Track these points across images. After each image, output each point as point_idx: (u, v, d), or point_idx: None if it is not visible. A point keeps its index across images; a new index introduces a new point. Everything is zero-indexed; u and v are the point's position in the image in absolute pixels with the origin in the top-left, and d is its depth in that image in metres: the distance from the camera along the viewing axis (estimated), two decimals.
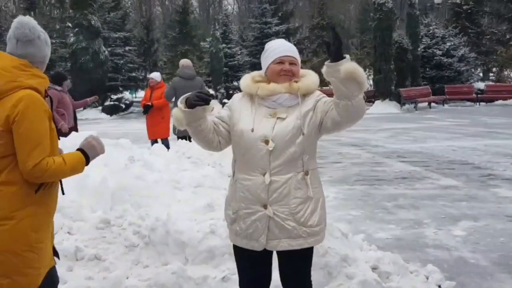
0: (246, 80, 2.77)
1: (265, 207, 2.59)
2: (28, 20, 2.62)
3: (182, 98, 2.66)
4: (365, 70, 31.02)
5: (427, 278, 4.09)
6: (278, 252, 2.69)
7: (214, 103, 2.72)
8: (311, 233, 2.62)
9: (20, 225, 2.42)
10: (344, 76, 2.45)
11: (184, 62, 9.66)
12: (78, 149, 2.59)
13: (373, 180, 8.50)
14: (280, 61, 2.69)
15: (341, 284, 3.58)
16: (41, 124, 2.44)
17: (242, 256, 2.75)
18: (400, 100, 24.60)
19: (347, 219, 6.19)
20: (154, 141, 9.37)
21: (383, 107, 24.32)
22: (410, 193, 7.47)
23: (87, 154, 2.59)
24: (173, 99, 9.04)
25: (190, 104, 2.59)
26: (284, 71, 2.68)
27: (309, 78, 2.72)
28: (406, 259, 4.45)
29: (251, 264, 2.74)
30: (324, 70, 2.53)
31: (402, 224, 5.93)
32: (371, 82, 26.63)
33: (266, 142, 2.58)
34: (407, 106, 24.54)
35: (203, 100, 2.56)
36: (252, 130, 2.61)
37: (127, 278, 3.84)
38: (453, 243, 5.19)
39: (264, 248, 2.63)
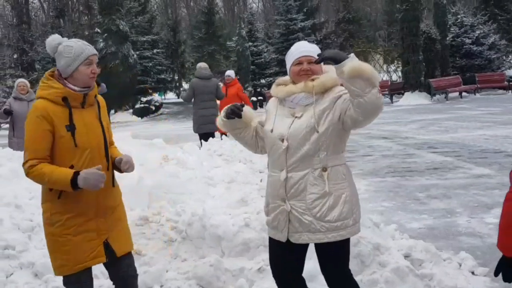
0: (275, 84, 2.95)
1: (283, 201, 2.74)
2: (50, 37, 2.90)
3: (225, 109, 2.94)
4: (392, 62, 30.83)
5: (460, 265, 4.13)
6: (316, 245, 2.78)
7: (253, 114, 2.97)
8: (330, 228, 2.67)
9: (43, 216, 2.88)
10: (348, 75, 2.49)
11: (202, 64, 10.26)
12: (75, 172, 2.70)
13: (404, 172, 8.50)
14: (298, 62, 2.80)
15: (374, 272, 3.66)
16: (31, 129, 2.73)
17: (273, 245, 2.89)
18: (430, 91, 24.30)
19: (379, 210, 6.24)
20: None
21: (413, 99, 24.09)
22: (442, 183, 7.45)
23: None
24: (192, 100, 9.79)
25: (226, 116, 2.90)
26: (303, 71, 2.78)
27: (327, 74, 2.78)
28: (439, 247, 4.50)
29: (279, 254, 2.86)
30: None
31: (434, 214, 5.95)
32: (400, 74, 26.41)
33: (282, 140, 2.73)
34: (437, 96, 24.23)
35: (235, 114, 2.86)
36: (272, 131, 2.79)
37: (167, 271, 3.99)
38: (486, 231, 5.20)
39: (288, 240, 2.76)
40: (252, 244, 4.00)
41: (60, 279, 3.76)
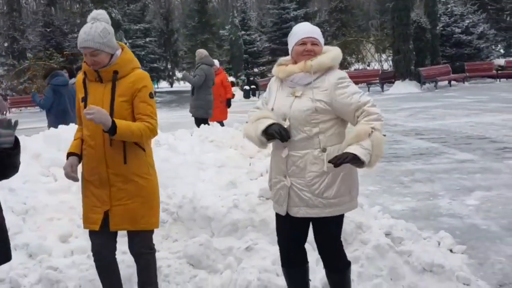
0: (275, 65, 3.06)
1: (285, 177, 2.90)
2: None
3: (262, 125, 2.84)
4: (384, 52, 30.83)
5: (439, 243, 4.32)
6: (313, 220, 2.95)
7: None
8: (328, 204, 2.84)
9: None
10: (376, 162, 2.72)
11: (203, 51, 10.30)
12: (69, 153, 3.17)
13: (391, 157, 8.70)
14: (302, 43, 2.91)
15: (356, 249, 3.84)
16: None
17: (277, 218, 3.08)
18: (420, 79, 24.51)
19: (365, 193, 6.42)
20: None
21: (403, 87, 24.29)
22: (426, 168, 7.67)
23: None
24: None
25: (269, 133, 2.81)
26: (306, 51, 2.89)
27: (326, 54, 2.87)
28: (420, 227, 4.68)
29: (282, 226, 3.06)
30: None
31: (417, 197, 6.16)
32: (391, 63, 26.54)
33: (284, 119, 2.85)
34: (427, 85, 24.46)
35: (283, 138, 2.79)
36: (272, 109, 2.90)
37: (158, 251, 4.13)
38: (466, 212, 5.41)
39: (287, 213, 2.93)
40: (240, 225, 4.17)
41: (53, 258, 3.93)
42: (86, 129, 3.10)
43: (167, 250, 4.18)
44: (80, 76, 3.18)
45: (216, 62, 11.01)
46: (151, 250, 3.33)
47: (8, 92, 29.71)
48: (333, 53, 2.91)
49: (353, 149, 2.63)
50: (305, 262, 3.15)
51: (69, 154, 3.14)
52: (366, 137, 2.65)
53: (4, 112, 24.33)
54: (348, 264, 3.09)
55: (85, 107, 3.00)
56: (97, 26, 2.98)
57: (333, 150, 2.80)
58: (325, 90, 2.81)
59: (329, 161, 2.68)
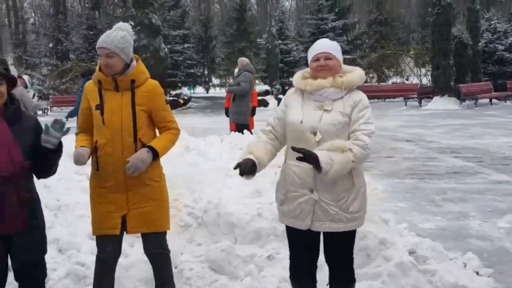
0: (297, 77, 3.07)
1: (311, 191, 2.88)
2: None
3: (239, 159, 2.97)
4: (423, 66, 30.30)
5: (465, 265, 4.23)
6: (324, 233, 2.97)
7: (262, 155, 2.98)
8: (351, 218, 2.90)
9: None
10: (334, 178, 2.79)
11: (246, 59, 10.44)
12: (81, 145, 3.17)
13: (424, 174, 8.56)
14: (316, 59, 2.98)
15: (379, 265, 3.80)
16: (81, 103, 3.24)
17: (291, 234, 3.05)
18: (459, 96, 24.03)
19: (393, 210, 6.34)
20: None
21: (442, 103, 23.84)
22: (459, 187, 7.51)
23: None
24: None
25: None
26: (320, 67, 2.95)
27: (354, 73, 2.98)
28: (447, 247, 4.59)
29: (298, 242, 3.03)
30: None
31: (448, 216, 6.03)
32: (430, 78, 26.14)
33: (314, 133, 2.85)
34: (467, 102, 23.94)
35: (240, 171, 2.89)
36: (301, 122, 2.89)
37: (182, 254, 4.19)
38: (496, 235, 5.27)
39: (309, 228, 2.92)
40: (263, 233, 4.18)
41: (82, 254, 4.04)
42: (101, 136, 3.12)
43: (190, 253, 4.23)
44: (90, 84, 3.22)
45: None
46: (166, 250, 3.40)
47: (50, 91, 30.57)
48: (359, 73, 3.00)
49: (320, 154, 2.72)
50: (315, 276, 3.14)
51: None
52: (339, 151, 2.74)
53: (46, 110, 25.02)
54: (355, 280, 3.09)
55: (101, 114, 3.09)
56: (118, 33, 3.12)
57: (357, 166, 2.92)
58: (349, 107, 2.88)
59: (293, 149, 2.77)
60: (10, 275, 2.98)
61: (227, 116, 10.68)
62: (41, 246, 2.90)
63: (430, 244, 4.27)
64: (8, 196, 2.63)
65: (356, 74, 2.97)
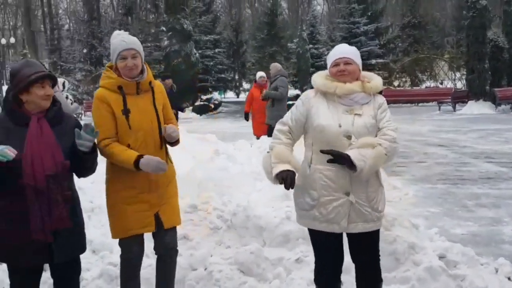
0: (322, 79, 3.05)
1: (347, 194, 2.89)
2: (113, 34, 3.32)
3: (276, 169, 2.89)
4: (458, 70, 29.85)
5: (497, 270, 4.15)
6: (352, 234, 2.98)
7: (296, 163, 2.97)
8: (379, 217, 3.00)
9: (106, 186, 3.32)
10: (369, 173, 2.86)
11: (279, 64, 10.44)
12: (139, 155, 3.09)
13: (456, 180, 8.43)
14: (335, 64, 3.02)
15: (408, 269, 3.77)
16: (96, 112, 3.17)
17: (319, 238, 3.03)
18: (495, 100, 23.55)
19: (424, 215, 6.27)
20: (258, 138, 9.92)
21: (477, 108, 23.45)
22: (493, 193, 7.37)
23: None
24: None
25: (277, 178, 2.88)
26: (339, 72, 2.99)
27: (378, 79, 3.06)
28: (478, 253, 4.50)
29: (327, 246, 3.03)
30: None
31: (480, 222, 5.93)
32: (464, 82, 25.69)
33: (348, 137, 2.87)
34: (502, 106, 23.47)
35: (285, 185, 2.84)
36: (340, 126, 2.87)
37: (211, 256, 4.25)
38: None
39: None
40: (292, 236, 4.20)
41: (114, 255, 4.12)
42: (134, 140, 3.15)
43: (219, 255, 4.28)
44: (106, 91, 3.17)
45: (262, 74, 10.89)
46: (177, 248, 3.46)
47: (84, 96, 31.28)
48: (380, 79, 3.10)
49: (351, 153, 2.79)
50: (340, 280, 3.16)
51: (139, 156, 3.12)
52: (369, 148, 2.81)
53: (80, 115, 25.58)
54: (382, 280, 3.10)
55: (127, 119, 3.13)
56: (131, 36, 3.26)
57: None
58: (376, 109, 2.97)
59: (322, 151, 2.84)
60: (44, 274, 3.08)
61: (247, 120, 10.73)
62: (81, 244, 2.98)
63: (460, 249, 4.21)
64: (54, 194, 2.73)
65: (379, 80, 3.07)
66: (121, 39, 3.18)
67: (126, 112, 3.14)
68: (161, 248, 3.37)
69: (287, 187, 2.84)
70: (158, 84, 3.36)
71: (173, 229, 3.37)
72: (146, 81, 3.23)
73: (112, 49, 3.19)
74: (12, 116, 2.79)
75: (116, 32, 3.31)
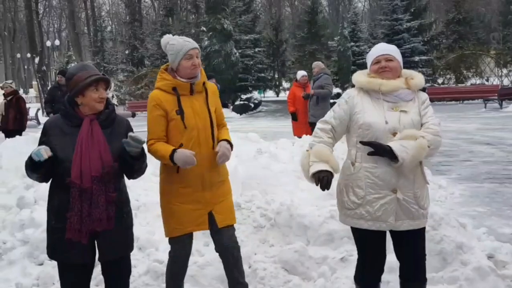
0: (364, 77, 3.05)
1: (394, 191, 2.88)
2: (163, 37, 3.40)
3: (313, 168, 2.93)
4: (505, 66, 28.96)
5: None
6: (397, 232, 2.95)
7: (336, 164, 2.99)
8: (425, 214, 2.99)
9: (159, 185, 3.41)
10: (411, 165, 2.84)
11: (321, 63, 10.41)
12: (174, 149, 3.18)
13: (504, 179, 8.19)
14: (377, 61, 3.02)
15: (456, 269, 3.71)
16: (149, 114, 3.28)
17: (364, 237, 3.01)
18: None
19: (471, 214, 6.13)
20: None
21: None
22: None
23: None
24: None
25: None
26: (381, 68, 3.00)
27: (420, 76, 3.06)
28: None
29: (371, 244, 3.02)
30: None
31: None
32: (511, 78, 24.92)
33: (394, 134, 2.86)
34: None
35: (321, 187, 2.88)
36: (386, 123, 2.87)
37: (255, 254, 4.28)
38: None
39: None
40: (336, 235, 4.19)
41: (160, 252, 4.21)
42: (187, 139, 3.23)
43: (263, 254, 4.31)
44: (160, 93, 3.27)
45: (304, 73, 10.70)
46: (238, 244, 3.51)
47: (127, 97, 31.94)
48: (422, 76, 3.09)
49: (393, 144, 2.80)
50: (380, 279, 3.14)
51: (174, 150, 3.20)
52: (411, 139, 2.80)
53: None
54: (426, 280, 3.07)
55: (182, 120, 3.21)
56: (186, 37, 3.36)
57: (424, 163, 3.02)
58: (420, 105, 2.98)
59: (362, 143, 2.87)
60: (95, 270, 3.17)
61: (296, 120, 10.54)
62: (126, 243, 3.04)
63: (510, 249, 4.11)
64: (97, 195, 2.81)
65: (421, 77, 3.06)
66: (184, 40, 3.29)
67: (181, 112, 3.23)
68: (220, 248, 3.45)
69: (322, 188, 2.86)
70: (211, 85, 3.42)
71: (229, 228, 3.41)
72: (200, 82, 3.32)
73: (176, 50, 3.25)
74: (67, 118, 2.90)
75: (167, 36, 3.40)
